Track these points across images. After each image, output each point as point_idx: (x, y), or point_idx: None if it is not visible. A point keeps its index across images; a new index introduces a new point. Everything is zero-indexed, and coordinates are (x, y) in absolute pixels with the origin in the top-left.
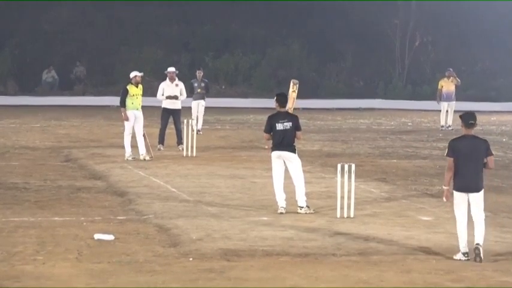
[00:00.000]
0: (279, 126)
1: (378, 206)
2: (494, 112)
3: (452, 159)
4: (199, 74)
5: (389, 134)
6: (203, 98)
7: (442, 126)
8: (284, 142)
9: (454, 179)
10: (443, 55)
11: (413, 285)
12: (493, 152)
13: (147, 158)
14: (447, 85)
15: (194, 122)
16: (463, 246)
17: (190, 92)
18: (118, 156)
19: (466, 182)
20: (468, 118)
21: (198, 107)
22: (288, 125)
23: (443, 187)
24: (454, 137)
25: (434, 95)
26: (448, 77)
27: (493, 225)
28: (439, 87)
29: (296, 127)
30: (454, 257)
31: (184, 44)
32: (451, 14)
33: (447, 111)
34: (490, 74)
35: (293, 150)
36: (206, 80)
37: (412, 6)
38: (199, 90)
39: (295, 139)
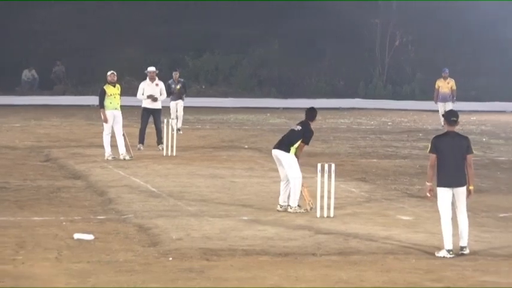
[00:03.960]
0: (292, 126)
1: (358, 206)
2: (474, 112)
3: (434, 155)
4: (176, 75)
5: (369, 133)
6: (181, 98)
7: (443, 126)
8: (283, 140)
9: (437, 175)
10: (423, 55)
11: (393, 284)
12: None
13: (127, 157)
14: (443, 86)
15: (174, 121)
16: (448, 243)
17: (168, 93)
18: (98, 156)
19: (450, 177)
20: (450, 116)
21: (176, 106)
22: (298, 128)
23: (427, 183)
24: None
25: (414, 94)
26: (445, 78)
27: (473, 224)
28: (436, 87)
29: (304, 135)
30: (437, 254)
31: (164, 44)
32: (432, 13)
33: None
34: (471, 74)
35: (285, 150)
36: (182, 80)
37: (392, 6)
38: (177, 88)
39: (297, 148)
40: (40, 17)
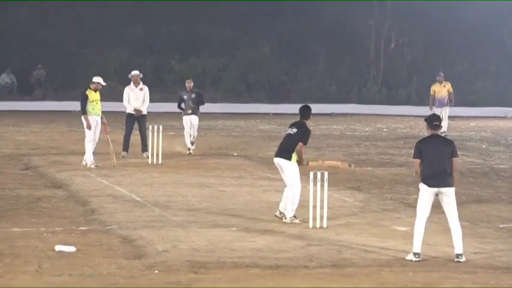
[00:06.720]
0: (288, 131)
1: (352, 216)
2: (473, 117)
3: (419, 160)
4: (189, 83)
5: (363, 140)
6: (195, 113)
7: (442, 133)
8: (283, 147)
9: (422, 176)
10: (420, 58)
11: None
12: (472, 160)
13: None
14: (440, 90)
15: (188, 140)
16: (417, 246)
17: (180, 106)
18: (80, 164)
19: (435, 179)
20: (433, 120)
21: (190, 122)
22: (294, 131)
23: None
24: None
25: (411, 99)
26: (440, 82)
27: (472, 235)
28: (432, 92)
29: (301, 137)
30: (406, 258)
31: (149, 46)
32: (428, 14)
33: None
34: (469, 78)
35: (287, 157)
36: (197, 90)
37: (387, 7)
38: (190, 105)
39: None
40: (19, 18)
